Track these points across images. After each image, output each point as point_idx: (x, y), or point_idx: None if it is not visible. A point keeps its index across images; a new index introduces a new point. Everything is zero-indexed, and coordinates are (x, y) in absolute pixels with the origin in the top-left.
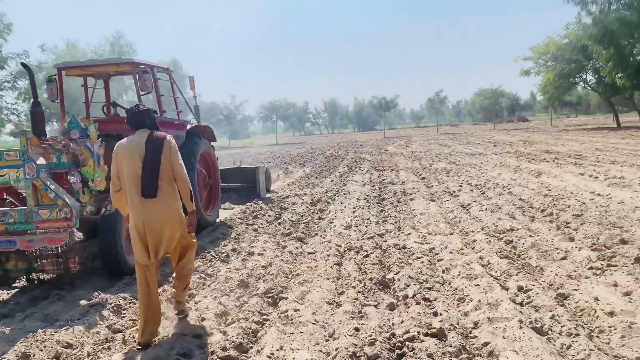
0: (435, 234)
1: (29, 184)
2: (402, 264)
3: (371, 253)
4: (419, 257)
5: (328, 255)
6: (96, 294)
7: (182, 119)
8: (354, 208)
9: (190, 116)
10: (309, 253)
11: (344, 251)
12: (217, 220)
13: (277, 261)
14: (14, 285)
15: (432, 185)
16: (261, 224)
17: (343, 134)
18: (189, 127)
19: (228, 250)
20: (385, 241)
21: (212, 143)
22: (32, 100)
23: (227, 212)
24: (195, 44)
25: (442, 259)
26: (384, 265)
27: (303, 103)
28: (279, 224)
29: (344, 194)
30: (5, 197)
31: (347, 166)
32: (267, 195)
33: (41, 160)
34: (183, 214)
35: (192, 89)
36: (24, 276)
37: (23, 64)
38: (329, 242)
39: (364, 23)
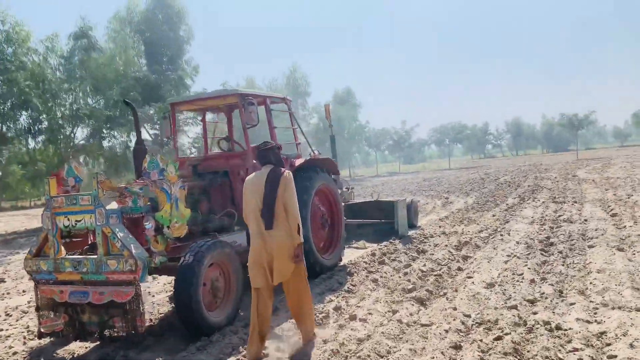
0: (613, 308)
1: (100, 231)
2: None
3: (507, 334)
4: (577, 349)
5: (446, 331)
6: (159, 359)
7: (293, 153)
8: (508, 256)
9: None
10: (423, 325)
11: (471, 326)
12: (340, 263)
13: (378, 333)
14: (94, 338)
15: (625, 226)
16: (385, 272)
17: (528, 155)
18: (300, 161)
19: (329, 309)
20: (534, 313)
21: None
22: (136, 138)
23: (357, 253)
24: (368, 72)
25: (615, 357)
26: (519, 358)
27: (482, 124)
28: (406, 273)
29: (502, 234)
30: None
31: (520, 196)
32: (411, 233)
33: (113, 205)
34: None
35: (328, 118)
36: (98, 331)
37: (125, 101)
38: (455, 309)
39: (545, 32)
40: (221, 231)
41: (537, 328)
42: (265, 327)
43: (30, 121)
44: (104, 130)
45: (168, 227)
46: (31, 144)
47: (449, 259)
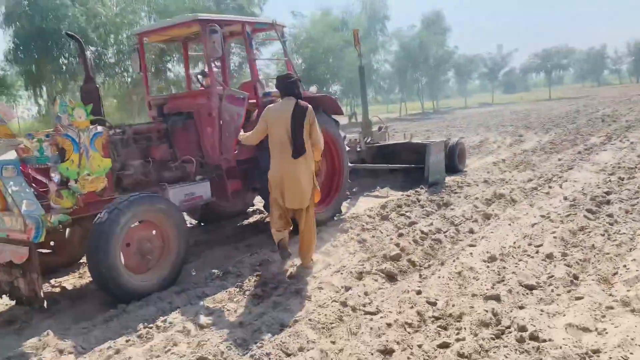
0: (634, 310)
1: None
2: None
3: (461, 339)
4: None
5: (389, 324)
6: (45, 333)
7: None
8: (540, 217)
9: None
10: (367, 313)
11: (426, 320)
12: (342, 215)
13: (305, 320)
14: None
15: None
16: (381, 231)
17: None
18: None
19: (282, 279)
20: (519, 308)
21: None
22: (85, 75)
23: (373, 203)
24: None
25: None
26: None
27: (600, 46)
28: (401, 235)
29: (552, 186)
30: None
31: (607, 135)
32: (449, 179)
33: (8, 155)
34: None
35: (357, 45)
36: (8, 292)
37: (68, 34)
38: (420, 292)
39: None
40: (178, 181)
41: (508, 333)
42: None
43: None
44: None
45: (76, 180)
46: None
47: (466, 217)
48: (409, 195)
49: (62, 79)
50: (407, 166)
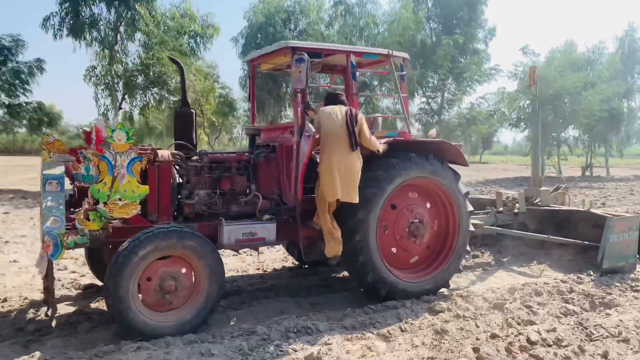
0: None
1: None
2: None
3: None
4: None
5: None
6: (33, 354)
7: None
8: None
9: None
10: None
11: None
12: (454, 290)
13: None
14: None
15: None
16: (478, 325)
17: None
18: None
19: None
20: None
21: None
22: (181, 99)
23: (510, 281)
24: None
25: None
26: None
27: None
28: (499, 337)
29: None
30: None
31: None
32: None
33: (57, 170)
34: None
35: (532, 86)
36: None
37: (171, 59)
38: None
39: None
40: (243, 217)
41: None
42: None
43: None
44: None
45: (105, 203)
46: None
47: (621, 333)
48: (564, 281)
49: None
50: (576, 241)
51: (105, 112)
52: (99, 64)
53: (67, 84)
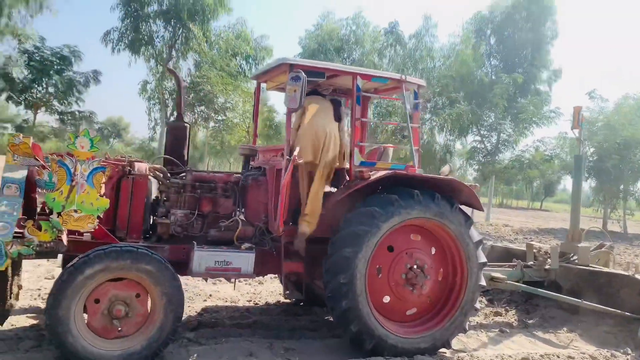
0: None
1: None
2: None
3: None
4: None
5: None
6: None
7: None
8: None
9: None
10: None
11: None
12: (457, 353)
13: None
14: None
15: None
16: None
17: None
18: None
19: None
20: None
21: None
22: (177, 112)
23: (528, 348)
24: None
25: None
26: None
27: None
28: None
29: None
30: None
31: None
32: None
33: (18, 174)
34: None
35: (575, 129)
36: None
37: (168, 69)
38: None
39: None
40: (220, 243)
41: None
42: None
43: None
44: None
45: (59, 214)
46: None
47: None
48: (594, 357)
49: None
50: (615, 311)
51: (154, 126)
52: (153, 79)
53: (135, 97)
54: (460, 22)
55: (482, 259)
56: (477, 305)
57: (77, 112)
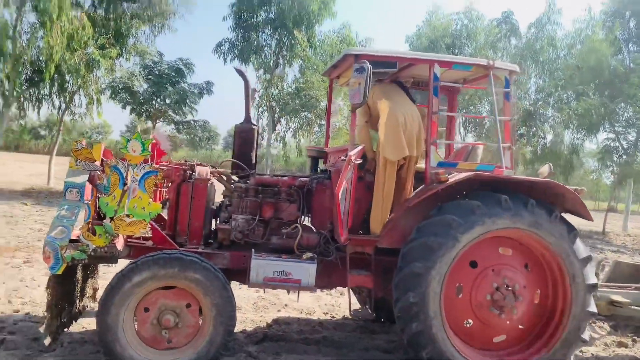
0: None
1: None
2: None
3: None
4: None
5: None
6: None
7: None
8: None
9: None
10: None
11: None
12: None
13: None
14: None
15: None
16: None
17: None
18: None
19: None
20: None
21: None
22: (245, 114)
23: None
24: None
25: None
26: None
27: None
28: None
29: None
30: None
31: None
32: None
33: (79, 179)
34: None
35: None
36: None
37: (237, 70)
38: None
39: None
40: (279, 251)
41: None
42: None
43: None
44: None
45: (112, 219)
46: None
47: None
48: None
49: None
50: None
51: (262, 132)
52: (261, 88)
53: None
54: (586, 5)
55: (592, 279)
56: (587, 335)
57: (192, 122)
